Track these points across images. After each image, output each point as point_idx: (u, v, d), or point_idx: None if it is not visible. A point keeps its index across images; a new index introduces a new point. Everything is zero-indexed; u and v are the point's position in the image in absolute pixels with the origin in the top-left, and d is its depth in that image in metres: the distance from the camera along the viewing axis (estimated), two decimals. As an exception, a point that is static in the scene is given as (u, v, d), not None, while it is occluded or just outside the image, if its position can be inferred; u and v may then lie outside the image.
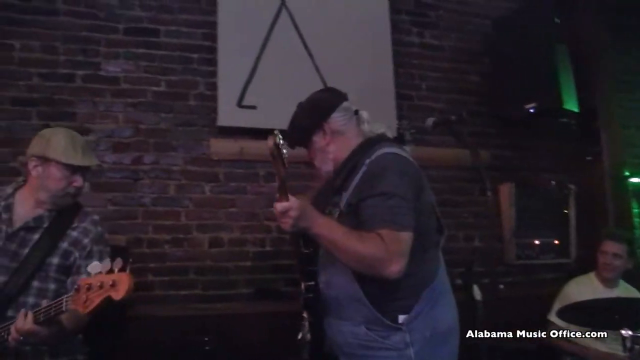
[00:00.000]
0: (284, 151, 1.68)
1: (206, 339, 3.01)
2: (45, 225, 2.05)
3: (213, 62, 3.46)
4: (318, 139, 2.02)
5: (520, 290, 3.82)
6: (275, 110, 3.40)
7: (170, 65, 3.44)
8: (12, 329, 1.77)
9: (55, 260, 2.00)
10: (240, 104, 3.41)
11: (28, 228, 2.03)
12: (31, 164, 2.05)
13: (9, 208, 2.05)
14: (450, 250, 2.17)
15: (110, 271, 1.66)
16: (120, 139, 3.31)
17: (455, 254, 3.57)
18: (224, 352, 3.04)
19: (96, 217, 2.21)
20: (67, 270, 2.04)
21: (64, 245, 2.04)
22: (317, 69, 3.57)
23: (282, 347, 3.10)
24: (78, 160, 2.04)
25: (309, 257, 2.02)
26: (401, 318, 1.79)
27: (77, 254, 2.05)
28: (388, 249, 1.68)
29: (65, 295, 1.74)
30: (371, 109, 2.15)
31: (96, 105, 3.30)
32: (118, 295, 1.62)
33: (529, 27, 3.73)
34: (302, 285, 2.03)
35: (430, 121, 2.27)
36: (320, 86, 3.49)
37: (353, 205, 1.83)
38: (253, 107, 3.43)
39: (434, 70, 4.04)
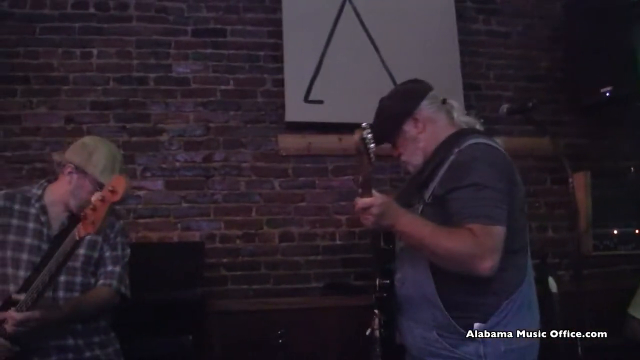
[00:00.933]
0: (371, 146, 1.63)
1: (279, 332, 3.05)
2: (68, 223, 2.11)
3: (279, 59, 3.51)
4: (409, 128, 1.94)
5: (598, 283, 3.67)
6: (342, 104, 3.44)
7: (237, 64, 3.51)
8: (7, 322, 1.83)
9: (81, 251, 2.05)
10: (307, 99, 3.43)
11: (64, 230, 2.07)
12: (67, 169, 2.10)
13: (44, 210, 2.10)
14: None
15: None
16: (192, 137, 3.41)
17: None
18: (296, 345, 3.08)
19: (117, 212, 2.27)
20: (96, 262, 2.11)
21: (88, 237, 2.05)
22: (382, 61, 3.54)
23: (354, 340, 3.14)
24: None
25: (388, 254, 1.96)
26: (476, 327, 1.68)
27: (104, 246, 2.12)
28: (480, 245, 1.59)
29: (75, 228, 1.79)
30: (439, 100, 2.12)
31: (168, 105, 3.42)
32: (116, 196, 1.70)
33: (604, 7, 3.55)
34: (377, 282, 1.97)
35: (504, 108, 2.20)
36: (386, 79, 3.52)
37: (439, 197, 1.75)
38: (320, 102, 3.44)
39: (502, 57, 3.92)
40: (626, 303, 3.28)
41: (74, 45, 3.37)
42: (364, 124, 1.64)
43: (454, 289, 1.71)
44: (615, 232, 3.80)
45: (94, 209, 1.73)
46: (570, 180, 1.97)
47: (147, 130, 3.37)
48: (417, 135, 1.93)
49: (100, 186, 2.05)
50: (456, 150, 1.79)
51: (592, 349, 2.89)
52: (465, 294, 1.70)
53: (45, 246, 2.03)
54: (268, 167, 3.44)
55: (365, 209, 1.67)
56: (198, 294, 2.92)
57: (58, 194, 2.13)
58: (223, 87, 3.47)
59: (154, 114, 3.39)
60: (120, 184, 1.70)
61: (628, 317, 3.20)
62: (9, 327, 1.83)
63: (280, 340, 3.03)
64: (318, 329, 3.24)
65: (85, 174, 2.08)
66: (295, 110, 3.42)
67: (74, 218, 2.09)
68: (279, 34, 3.52)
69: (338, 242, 3.44)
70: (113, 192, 1.70)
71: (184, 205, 3.33)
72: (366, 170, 1.68)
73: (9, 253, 2.02)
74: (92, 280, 2.13)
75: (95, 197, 1.73)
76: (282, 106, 3.46)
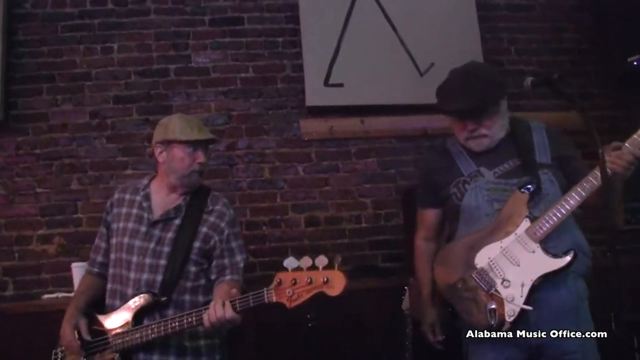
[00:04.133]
0: None
1: (308, 316, 3.07)
2: (184, 212, 2.15)
3: (297, 44, 3.51)
4: (503, 104, 2.05)
5: (631, 258, 3.58)
6: (363, 86, 3.43)
7: (256, 51, 3.52)
8: (212, 316, 1.84)
9: (197, 244, 2.11)
10: (327, 83, 3.42)
11: (169, 217, 2.14)
12: (157, 151, 2.18)
13: (147, 197, 2.19)
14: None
15: (313, 267, 1.72)
16: (214, 126, 3.42)
17: (558, 222, 3.42)
18: (327, 329, 3.10)
19: (226, 200, 2.29)
20: (206, 253, 2.14)
21: (204, 229, 2.13)
22: (401, 41, 3.50)
23: (384, 322, 3.14)
24: (195, 135, 2.12)
25: None
26: None
27: (216, 238, 2.15)
28: None
29: (266, 289, 1.80)
30: (461, 79, 2.10)
31: (189, 96, 3.46)
32: (335, 292, 1.70)
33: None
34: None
35: (528, 81, 2.15)
36: (406, 59, 3.49)
37: (556, 159, 2.00)
38: (340, 85, 3.42)
39: (524, 31, 3.83)
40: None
41: (94, 41, 3.42)
42: None
43: None
44: (648, 205, 3.70)
45: (294, 283, 1.74)
46: (600, 151, 1.92)
47: (170, 122, 3.41)
48: (505, 111, 2.07)
49: (190, 146, 2.10)
50: (535, 125, 2.09)
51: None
52: None
53: (144, 229, 2.12)
54: (291, 153, 3.45)
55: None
56: (227, 282, 2.95)
57: (159, 180, 2.23)
58: (243, 75, 3.49)
59: (175, 105, 3.42)
60: (340, 280, 1.70)
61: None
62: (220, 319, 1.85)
63: (309, 325, 3.05)
64: (348, 312, 3.23)
65: (169, 144, 2.14)
66: (316, 95, 3.42)
67: (180, 208, 2.15)
68: (296, 19, 3.52)
69: (364, 225, 3.43)
70: (327, 283, 1.70)
71: (210, 194, 3.36)
72: None
73: (119, 239, 2.15)
74: (199, 268, 2.15)
75: (303, 275, 1.74)
76: (303, 91, 3.45)
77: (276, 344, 3.16)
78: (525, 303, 1.81)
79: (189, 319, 1.90)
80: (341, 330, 3.19)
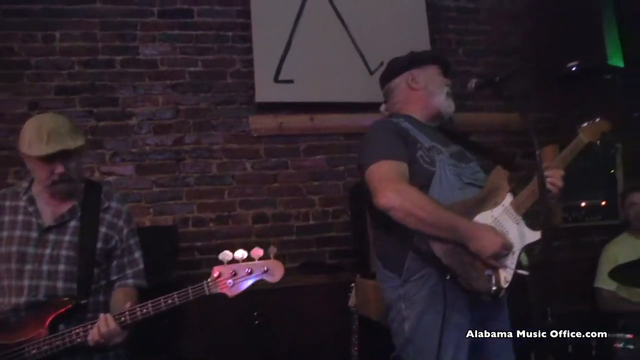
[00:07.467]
0: None
1: (255, 313, 3.07)
2: (79, 212, 2.04)
3: (248, 39, 3.47)
4: None
5: (568, 254, 3.76)
6: (313, 83, 3.43)
7: (205, 45, 3.46)
8: (95, 335, 1.80)
9: (99, 244, 2.02)
10: (277, 79, 3.41)
11: (64, 221, 2.01)
12: (24, 159, 2.01)
13: (32, 201, 2.04)
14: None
15: (249, 259, 1.80)
16: (161, 120, 3.37)
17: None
18: (275, 325, 3.11)
19: (118, 194, 2.21)
20: (107, 253, 2.06)
21: (103, 229, 2.05)
22: (352, 39, 3.53)
23: (330, 318, 3.18)
24: (41, 149, 1.88)
25: None
26: None
27: (117, 237, 2.08)
28: None
29: (206, 281, 1.83)
30: (409, 77, 2.13)
31: (136, 89, 3.37)
32: (274, 279, 1.83)
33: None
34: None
35: (472, 83, 2.22)
36: (356, 57, 3.53)
37: None
38: (290, 82, 3.42)
39: (471, 33, 3.94)
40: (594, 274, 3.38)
41: (35, 28, 3.27)
42: None
43: None
44: (583, 204, 3.87)
45: (235, 275, 1.81)
46: (537, 153, 2.00)
47: (116, 114, 3.32)
48: None
49: (42, 159, 1.91)
50: None
51: (565, 319, 2.99)
52: None
53: (35, 235, 1.98)
54: (240, 149, 3.43)
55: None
56: (172, 279, 2.91)
57: (37, 183, 2.07)
58: (192, 69, 3.43)
59: (122, 98, 3.33)
60: (279, 268, 1.82)
61: (596, 290, 3.30)
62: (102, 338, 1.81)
63: (256, 322, 3.05)
64: (295, 309, 3.27)
65: (26, 155, 1.96)
66: (266, 91, 3.40)
67: (75, 209, 2.03)
68: (247, 14, 3.48)
69: (312, 222, 3.46)
70: (267, 272, 1.81)
71: (156, 189, 3.30)
72: None
73: (5, 248, 1.98)
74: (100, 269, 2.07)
75: (242, 266, 1.81)
76: (253, 87, 3.43)
77: (223, 340, 3.15)
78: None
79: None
80: (290, 326, 3.21)
